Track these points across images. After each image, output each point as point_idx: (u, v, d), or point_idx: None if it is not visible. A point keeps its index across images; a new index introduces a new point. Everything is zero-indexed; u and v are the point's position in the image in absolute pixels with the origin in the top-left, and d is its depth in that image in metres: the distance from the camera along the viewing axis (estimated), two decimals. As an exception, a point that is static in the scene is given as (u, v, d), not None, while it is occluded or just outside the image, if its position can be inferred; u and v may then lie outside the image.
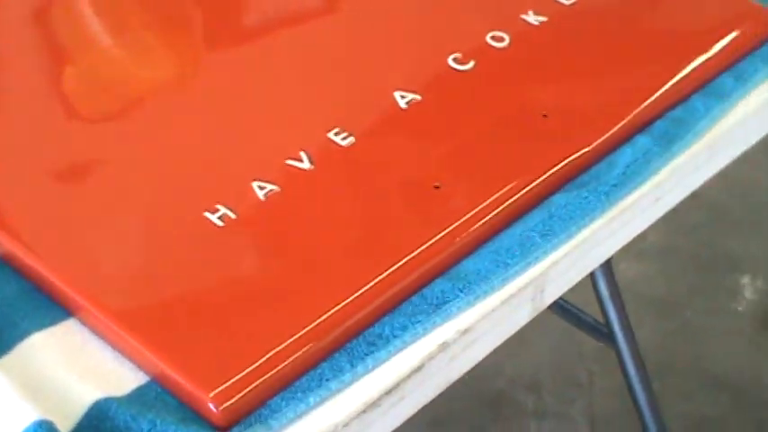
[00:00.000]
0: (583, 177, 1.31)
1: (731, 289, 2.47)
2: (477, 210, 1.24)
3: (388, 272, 1.17)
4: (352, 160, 1.30)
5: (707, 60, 1.43)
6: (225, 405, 1.07)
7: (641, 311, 2.07)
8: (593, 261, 1.31)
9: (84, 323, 1.17)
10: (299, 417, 1.11)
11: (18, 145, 1.35)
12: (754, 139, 1.45)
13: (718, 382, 2.27)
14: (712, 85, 1.42)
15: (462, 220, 1.23)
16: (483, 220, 1.24)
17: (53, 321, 1.18)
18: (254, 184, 1.26)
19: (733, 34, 1.46)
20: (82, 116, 1.40)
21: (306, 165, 1.28)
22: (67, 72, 1.46)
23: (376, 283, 1.17)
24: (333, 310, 1.14)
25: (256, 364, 1.10)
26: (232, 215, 1.23)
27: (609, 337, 2.00)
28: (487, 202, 1.25)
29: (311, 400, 1.11)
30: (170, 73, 1.43)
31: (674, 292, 2.04)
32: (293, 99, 1.40)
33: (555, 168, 1.28)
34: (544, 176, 1.27)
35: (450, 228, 1.22)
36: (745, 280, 2.46)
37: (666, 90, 1.39)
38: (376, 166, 1.31)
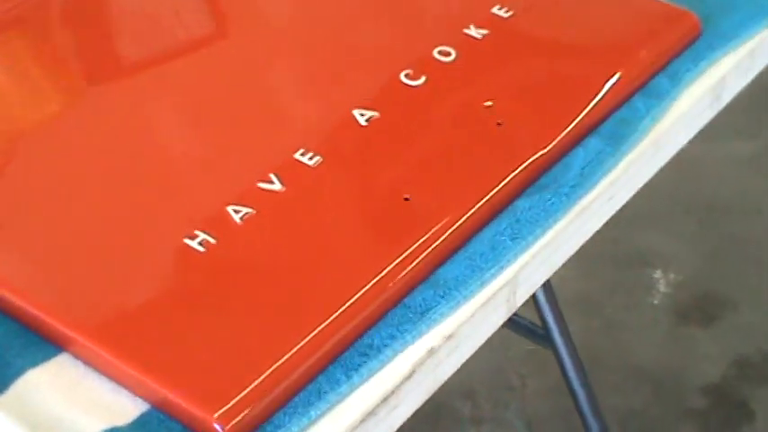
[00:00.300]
0: (541, 181, 1.33)
1: (646, 284, 2.51)
2: (448, 218, 1.26)
3: (371, 284, 1.18)
4: (322, 179, 1.31)
5: (643, 63, 1.47)
6: (230, 424, 1.07)
7: (564, 311, 2.09)
8: (559, 260, 1.33)
9: (77, 357, 1.17)
10: (302, 431, 1.11)
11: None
12: (692, 132, 1.50)
13: (642, 375, 2.31)
14: (649, 86, 1.45)
15: (435, 229, 1.24)
16: (454, 227, 1.25)
17: (46, 357, 1.17)
18: (230, 209, 1.26)
19: (664, 38, 1.51)
20: (54, 148, 1.36)
21: (277, 186, 1.28)
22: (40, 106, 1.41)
23: (361, 296, 1.17)
24: (324, 325, 1.15)
25: (256, 382, 1.10)
26: (212, 240, 1.23)
27: (546, 339, 2.01)
28: (457, 209, 1.27)
29: (312, 413, 1.11)
30: (135, 102, 1.41)
31: (592, 290, 2.06)
32: (257, 123, 1.41)
33: (515, 172, 1.31)
34: (506, 181, 1.29)
35: (425, 237, 1.23)
36: (658, 274, 2.52)
37: (609, 92, 1.42)
38: (346, 183, 1.32)
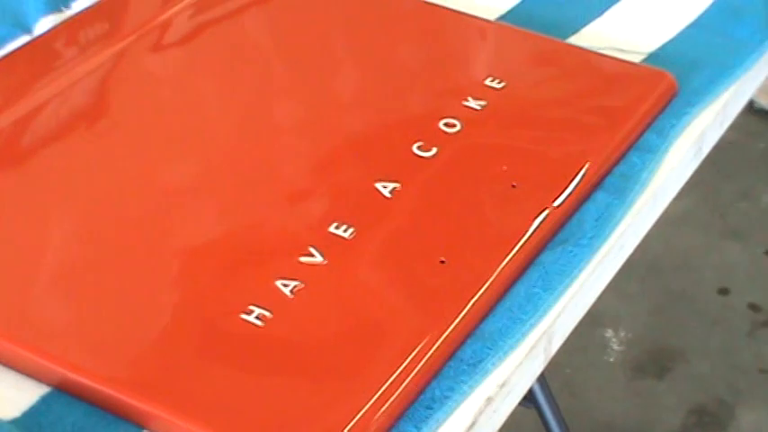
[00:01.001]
0: (560, 236, 1.35)
1: (599, 343, 2.53)
2: (483, 275, 1.28)
3: (425, 341, 1.21)
4: (360, 249, 1.31)
5: (634, 122, 1.50)
6: None
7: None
8: (584, 309, 1.37)
9: None
10: None
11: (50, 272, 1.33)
12: (681, 182, 1.54)
13: (608, 430, 2.31)
14: (641, 142, 1.48)
15: (474, 287, 1.26)
16: (490, 282, 1.28)
17: None
18: (278, 283, 1.26)
19: (649, 97, 1.53)
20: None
21: (319, 259, 1.29)
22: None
23: (417, 353, 1.19)
24: (388, 383, 1.16)
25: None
26: (268, 314, 1.23)
27: (531, 399, 2.02)
28: (490, 266, 1.29)
29: None
30: (173, 184, 1.43)
31: None
32: (288, 201, 1.41)
33: (534, 227, 1.33)
34: (528, 235, 1.32)
35: (467, 294, 1.25)
36: (609, 333, 2.55)
37: (609, 151, 1.45)
38: (384, 251, 1.33)
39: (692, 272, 2.69)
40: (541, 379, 1.99)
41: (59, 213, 1.40)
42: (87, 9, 1.68)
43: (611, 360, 2.51)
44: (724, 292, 2.63)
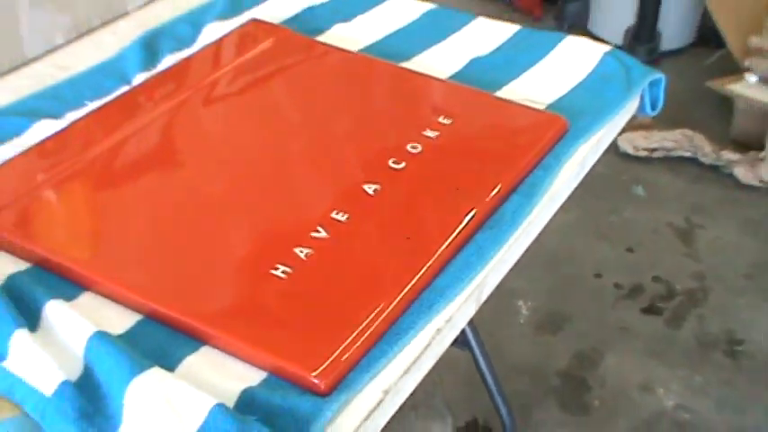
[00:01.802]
0: (488, 224, 1.37)
1: (513, 310, 2.57)
2: (437, 247, 1.31)
3: (396, 291, 1.24)
4: (353, 228, 1.33)
5: (539, 148, 1.51)
6: (324, 380, 1.12)
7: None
8: (503, 273, 1.38)
9: (218, 347, 1.19)
10: (367, 382, 1.15)
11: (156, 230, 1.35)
12: (569, 191, 1.55)
13: (517, 368, 2.34)
14: (544, 163, 1.49)
15: (431, 256, 1.29)
16: (441, 251, 1.30)
17: (195, 348, 1.19)
18: (296, 250, 1.29)
19: (549, 133, 1.54)
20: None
21: (324, 234, 1.31)
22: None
23: (391, 299, 1.23)
24: (371, 317, 1.20)
25: (336, 353, 1.14)
26: (289, 270, 1.26)
27: (465, 343, 2.03)
28: (442, 242, 1.31)
29: (371, 372, 1.15)
30: (222, 188, 1.46)
31: (477, 317, 2.09)
32: (303, 197, 1.42)
33: (471, 215, 1.36)
34: (465, 222, 1.35)
35: (426, 260, 1.28)
36: (520, 303, 2.57)
37: (521, 168, 1.47)
38: (369, 230, 1.35)
39: (577, 262, 2.71)
40: (474, 329, 2.00)
41: (149, 202, 1.43)
42: (164, 70, 1.70)
43: (522, 321, 2.54)
44: (598, 276, 2.65)
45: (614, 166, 2.99)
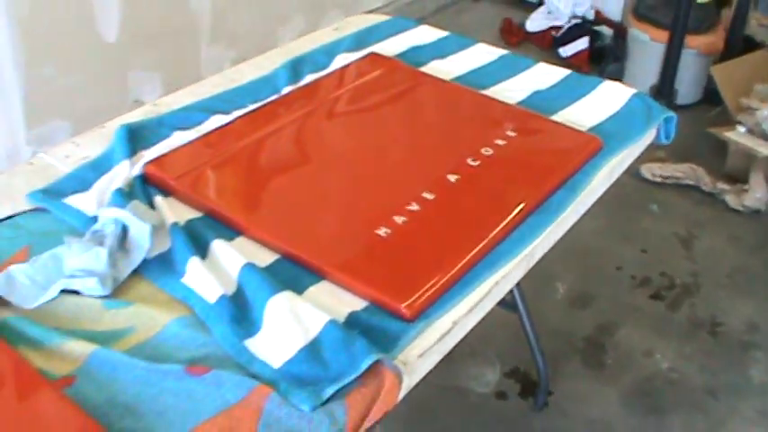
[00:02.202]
0: (538, 210, 1.41)
1: (552, 289, 2.58)
2: (498, 224, 1.35)
3: (468, 251, 1.28)
4: (438, 205, 1.38)
5: (580, 159, 1.53)
6: (411, 310, 1.16)
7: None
8: (546, 248, 1.40)
9: (333, 282, 1.23)
10: (442, 315, 1.19)
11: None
12: (601, 191, 1.54)
13: (554, 333, 2.34)
14: (583, 170, 1.51)
15: (492, 230, 1.33)
16: (500, 230, 1.34)
17: (317, 281, 1.23)
18: (395, 217, 1.33)
19: (589, 148, 1.56)
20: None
21: (416, 207, 1.36)
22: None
23: (463, 257, 1.27)
24: (451, 271, 1.24)
25: (420, 292, 1.19)
26: (389, 231, 1.31)
27: (515, 308, 2.03)
28: (501, 220, 1.36)
29: (445, 308, 1.19)
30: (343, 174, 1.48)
31: (527, 292, 2.10)
32: (403, 180, 1.45)
33: (525, 203, 1.39)
34: (522, 206, 1.39)
35: (488, 233, 1.32)
36: (558, 285, 2.58)
37: (568, 172, 1.50)
38: (451, 206, 1.39)
39: (603, 257, 2.72)
40: (522, 297, 2.02)
41: (287, 175, 1.48)
42: (303, 85, 1.75)
43: (558, 298, 2.55)
44: (619, 268, 2.66)
45: (636, 188, 3.00)
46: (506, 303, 1.99)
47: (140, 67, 2.78)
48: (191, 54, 2.96)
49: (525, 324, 2.05)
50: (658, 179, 3.05)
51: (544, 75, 1.83)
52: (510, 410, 2.15)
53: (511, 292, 1.95)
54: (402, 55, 1.89)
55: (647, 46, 3.45)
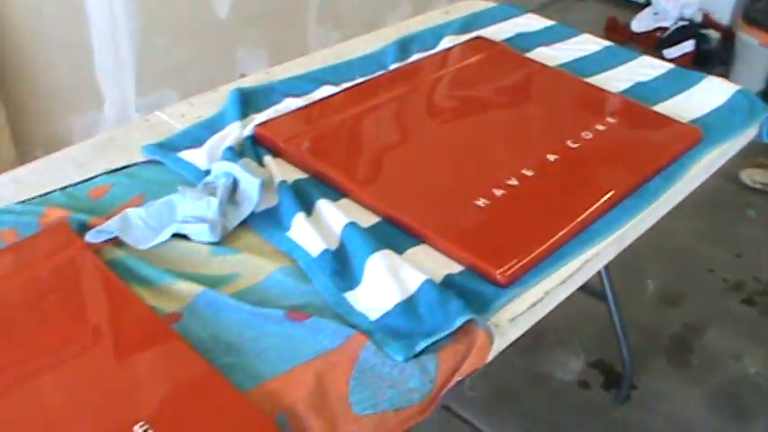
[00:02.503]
0: (633, 194, 1.43)
1: (642, 285, 2.59)
2: (592, 204, 1.37)
3: (567, 228, 1.31)
4: (537, 182, 1.41)
5: (683, 146, 1.54)
6: (505, 276, 1.20)
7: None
8: (639, 231, 1.41)
9: (432, 246, 1.27)
10: (534, 284, 1.23)
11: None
12: (699, 181, 1.55)
13: (641, 328, 2.35)
14: (684, 157, 1.53)
15: (585, 211, 1.36)
16: (593, 210, 1.37)
17: (416, 244, 1.28)
18: (494, 190, 1.37)
19: (691, 137, 1.58)
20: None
21: (515, 182, 1.40)
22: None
23: (558, 231, 1.30)
24: (546, 240, 1.28)
25: (516, 260, 1.23)
26: (488, 202, 1.35)
27: (605, 298, 2.05)
28: (595, 202, 1.38)
29: (538, 277, 1.23)
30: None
31: (616, 287, 2.10)
32: (502, 158, 1.50)
33: (619, 186, 1.42)
34: (617, 189, 1.41)
35: (581, 213, 1.35)
36: (648, 282, 2.60)
37: (670, 158, 1.52)
38: (547, 181, 1.42)
39: (697, 258, 2.71)
40: (612, 288, 2.04)
41: (391, 142, 1.53)
42: (410, 63, 1.81)
43: (648, 294, 2.55)
44: (711, 270, 2.65)
45: (735, 193, 2.99)
46: (596, 293, 2.01)
47: (248, 44, 2.86)
48: (298, 33, 3.04)
49: (613, 314, 2.06)
50: (758, 185, 3.03)
51: (648, 67, 1.85)
52: (592, 400, 2.17)
53: (601, 281, 1.97)
54: (508, 40, 1.93)
55: (756, 51, 3.43)
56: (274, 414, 0.97)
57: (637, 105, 1.65)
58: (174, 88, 2.63)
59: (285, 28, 2.96)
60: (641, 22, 3.95)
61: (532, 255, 1.23)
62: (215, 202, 1.22)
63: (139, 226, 1.22)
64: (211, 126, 1.49)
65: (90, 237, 1.21)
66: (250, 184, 1.26)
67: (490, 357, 1.12)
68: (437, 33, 1.91)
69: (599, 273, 1.99)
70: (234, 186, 1.28)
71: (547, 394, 2.14)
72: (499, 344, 1.13)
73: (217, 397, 0.99)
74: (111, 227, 1.21)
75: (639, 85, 1.77)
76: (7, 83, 2.29)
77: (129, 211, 1.24)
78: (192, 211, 1.22)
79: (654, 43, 3.89)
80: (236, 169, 1.28)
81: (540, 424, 2.07)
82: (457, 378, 1.07)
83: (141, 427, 0.94)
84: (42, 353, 1.04)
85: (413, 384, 1.03)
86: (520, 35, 1.94)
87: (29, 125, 2.39)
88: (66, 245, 1.20)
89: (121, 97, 2.55)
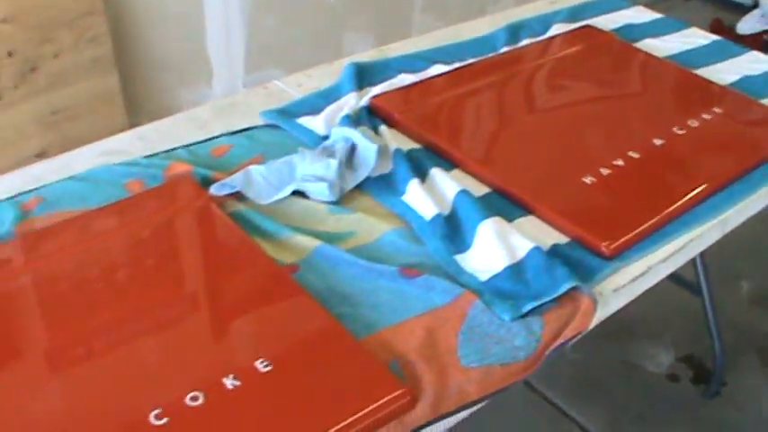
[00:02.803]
0: (740, 180, 1.45)
1: (738, 287, 2.55)
2: (693, 189, 1.40)
3: (670, 209, 1.34)
4: (642, 163, 1.44)
5: None
6: (611, 250, 1.24)
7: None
8: (743, 217, 1.43)
9: (540, 217, 1.32)
10: (638, 258, 1.26)
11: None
12: None
13: (734, 327, 2.38)
14: None
15: (692, 191, 1.38)
16: (696, 194, 1.39)
17: (525, 215, 1.33)
18: (600, 169, 1.41)
19: None
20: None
21: (621, 163, 1.44)
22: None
23: (666, 209, 1.33)
24: (650, 218, 1.30)
25: (622, 235, 1.27)
26: (594, 179, 1.38)
27: (699, 292, 2.06)
28: (700, 184, 1.41)
29: (642, 253, 1.26)
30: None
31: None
32: (605, 140, 1.53)
33: (723, 172, 1.44)
34: (720, 175, 1.43)
35: (688, 194, 1.37)
36: (742, 282, 2.57)
37: (755, 159, 1.50)
38: (653, 165, 1.44)
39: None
40: (708, 282, 2.04)
41: (501, 117, 1.58)
42: (519, 47, 1.85)
43: (742, 295, 2.55)
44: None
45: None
46: (691, 286, 2.03)
47: (355, 28, 2.94)
48: (403, 20, 3.11)
49: (707, 309, 2.07)
50: None
51: (756, 62, 1.87)
52: (680, 394, 2.19)
53: (697, 275, 1.99)
54: (616, 30, 1.97)
55: None
56: (387, 361, 1.03)
57: (744, 97, 1.67)
58: (281, 67, 2.71)
59: (390, 15, 3.04)
60: (747, 24, 3.93)
61: (637, 230, 1.27)
62: (334, 163, 1.29)
63: (260, 182, 1.29)
64: (328, 96, 1.57)
65: (214, 189, 1.28)
66: (367, 150, 1.33)
67: (593, 324, 1.16)
68: (545, 21, 1.97)
69: (695, 267, 2.02)
70: (351, 151, 1.35)
71: (635, 385, 2.16)
72: (602, 312, 1.17)
73: (334, 342, 1.05)
74: (234, 181, 1.29)
75: (747, 78, 1.78)
76: (122, 52, 2.38)
77: (252, 167, 1.32)
78: (312, 171, 1.29)
79: (760, 46, 3.86)
80: (354, 135, 1.35)
81: (626, 413, 2.10)
82: (561, 340, 1.12)
83: (262, 362, 1.00)
84: (170, 295, 1.12)
85: (518, 342, 1.08)
86: (628, 26, 1.98)
87: (139, 96, 2.49)
88: (190, 196, 1.28)
89: (229, 73, 2.64)
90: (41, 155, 2.24)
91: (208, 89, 2.61)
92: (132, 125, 2.42)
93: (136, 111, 2.44)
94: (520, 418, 2.03)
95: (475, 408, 1.05)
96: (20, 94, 2.20)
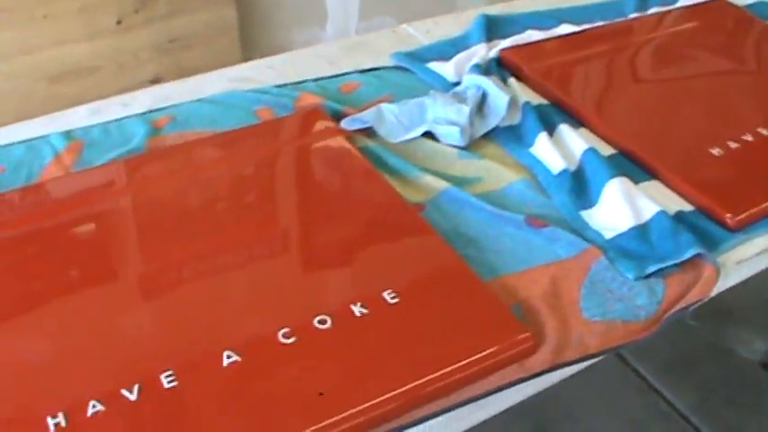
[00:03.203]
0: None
1: None
2: None
3: None
4: (754, 144, 1.40)
5: None
6: (736, 222, 1.24)
7: None
8: None
9: (666, 184, 1.32)
10: (762, 234, 1.25)
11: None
12: None
13: None
14: None
15: None
16: None
17: (649, 179, 1.33)
18: (728, 143, 1.41)
19: None
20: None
21: (750, 138, 1.41)
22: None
23: None
24: None
25: (748, 208, 1.26)
26: (722, 151, 1.38)
27: None
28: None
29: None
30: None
31: None
32: (733, 112, 1.49)
33: None
34: None
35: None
36: None
37: None
38: (757, 152, 1.41)
39: None
40: None
41: (638, 85, 1.58)
42: (647, 15, 1.84)
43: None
44: None
45: None
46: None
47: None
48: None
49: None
50: None
51: None
52: (771, 382, 2.18)
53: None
54: (749, 6, 1.95)
55: None
56: (510, 304, 1.05)
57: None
58: (393, 15, 2.73)
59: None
60: None
61: (763, 205, 1.26)
62: (466, 108, 1.32)
63: (392, 120, 1.32)
64: (457, 44, 1.60)
65: (345, 123, 1.32)
66: (499, 99, 1.35)
67: (714, 293, 1.16)
68: (675, -9, 1.94)
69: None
70: (482, 99, 1.37)
71: (726, 368, 2.16)
72: (722, 283, 1.17)
73: (460, 282, 1.07)
74: (366, 117, 1.32)
75: None
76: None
77: (383, 105, 1.35)
78: (444, 115, 1.32)
79: None
80: (487, 83, 1.37)
81: (715, 394, 2.11)
82: (681, 305, 1.12)
83: (390, 294, 1.03)
84: (302, 220, 1.17)
85: (640, 302, 1.10)
86: (761, 3, 1.96)
87: (255, 31, 2.53)
88: (321, 127, 1.31)
89: (344, 17, 2.67)
90: (155, 81, 2.29)
91: (321, 32, 2.64)
92: (245, 59, 2.46)
93: (250, 46, 2.48)
94: (607, 387, 2.05)
95: (592, 360, 1.06)
96: (139, 20, 2.25)
